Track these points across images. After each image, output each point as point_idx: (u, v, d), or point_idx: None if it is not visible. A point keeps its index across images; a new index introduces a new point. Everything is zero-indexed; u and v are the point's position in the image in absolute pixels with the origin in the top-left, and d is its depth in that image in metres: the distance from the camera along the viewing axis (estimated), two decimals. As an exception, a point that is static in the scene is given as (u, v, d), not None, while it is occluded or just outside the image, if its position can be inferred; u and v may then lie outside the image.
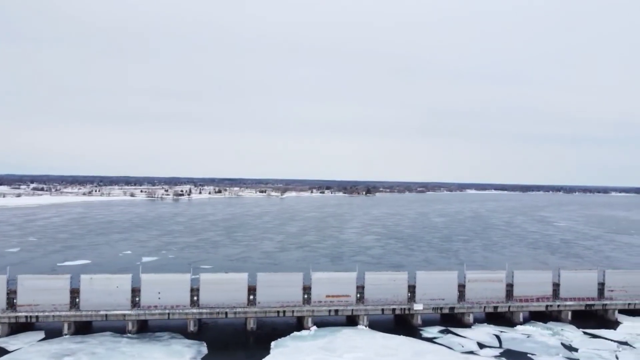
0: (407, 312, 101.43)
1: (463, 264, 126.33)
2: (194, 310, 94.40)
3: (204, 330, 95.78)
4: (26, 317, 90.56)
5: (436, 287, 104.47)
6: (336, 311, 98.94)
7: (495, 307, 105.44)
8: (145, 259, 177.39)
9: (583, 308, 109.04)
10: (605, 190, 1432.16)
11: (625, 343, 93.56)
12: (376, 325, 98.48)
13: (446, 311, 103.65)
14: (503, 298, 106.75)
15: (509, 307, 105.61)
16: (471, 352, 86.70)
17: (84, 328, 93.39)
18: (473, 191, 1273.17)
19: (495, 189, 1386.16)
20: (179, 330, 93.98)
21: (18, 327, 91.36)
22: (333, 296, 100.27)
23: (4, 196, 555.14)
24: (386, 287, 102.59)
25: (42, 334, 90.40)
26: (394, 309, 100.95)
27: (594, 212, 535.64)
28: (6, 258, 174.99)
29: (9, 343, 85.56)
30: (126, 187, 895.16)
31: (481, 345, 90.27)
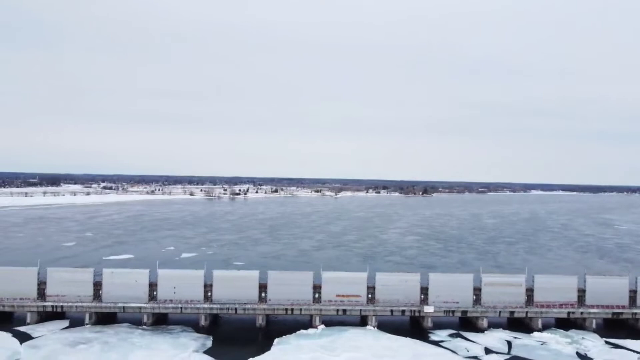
0: (417, 314, 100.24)
1: (479, 267, 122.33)
2: (205, 305, 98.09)
3: (215, 325, 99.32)
4: (53, 306, 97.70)
5: (450, 289, 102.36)
6: (344, 311, 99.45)
7: (512, 312, 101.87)
8: (184, 255, 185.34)
9: (610, 316, 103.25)
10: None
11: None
12: (385, 326, 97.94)
13: (458, 314, 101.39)
14: (522, 303, 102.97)
15: (527, 312, 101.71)
16: (475, 357, 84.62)
17: (106, 319, 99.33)
18: (538, 192, 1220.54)
19: (563, 190, 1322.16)
20: (191, 324, 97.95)
21: (47, 316, 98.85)
22: (343, 296, 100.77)
23: (74, 194, 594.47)
24: (397, 288, 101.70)
25: (66, 323, 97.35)
26: (403, 311, 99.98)
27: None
28: (61, 251, 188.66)
29: (36, 330, 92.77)
30: (188, 186, 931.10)
31: (488, 351, 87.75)
